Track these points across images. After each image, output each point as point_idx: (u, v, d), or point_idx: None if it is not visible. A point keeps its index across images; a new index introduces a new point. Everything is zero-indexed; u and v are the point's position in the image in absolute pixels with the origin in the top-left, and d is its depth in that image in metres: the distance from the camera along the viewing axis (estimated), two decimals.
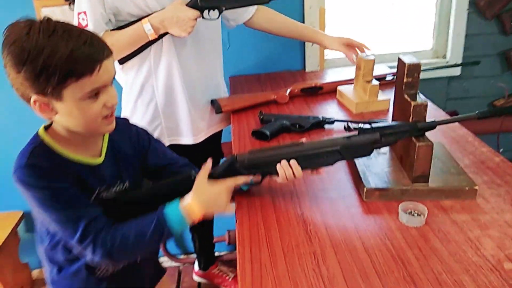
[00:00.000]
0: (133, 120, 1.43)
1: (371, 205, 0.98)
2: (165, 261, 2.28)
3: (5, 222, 2.04)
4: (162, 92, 1.39)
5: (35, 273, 2.27)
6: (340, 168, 1.14)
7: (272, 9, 1.63)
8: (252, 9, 1.56)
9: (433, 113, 1.46)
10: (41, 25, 0.78)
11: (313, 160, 0.97)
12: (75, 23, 1.26)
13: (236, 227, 0.94)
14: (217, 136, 1.67)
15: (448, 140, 1.25)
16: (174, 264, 2.29)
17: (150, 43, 1.31)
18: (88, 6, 1.23)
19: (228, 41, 1.92)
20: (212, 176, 0.95)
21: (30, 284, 2.22)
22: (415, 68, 1.02)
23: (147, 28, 1.24)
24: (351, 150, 0.97)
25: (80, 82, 0.79)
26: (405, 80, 1.03)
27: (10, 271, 2.06)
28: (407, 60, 1.03)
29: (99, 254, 0.85)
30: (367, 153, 0.98)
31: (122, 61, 1.34)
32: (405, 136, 0.99)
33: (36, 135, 0.88)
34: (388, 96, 1.55)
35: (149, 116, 1.41)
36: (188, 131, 1.49)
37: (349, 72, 1.69)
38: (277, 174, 0.96)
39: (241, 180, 0.96)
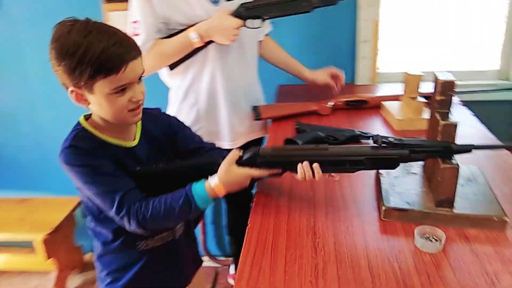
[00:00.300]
0: None
1: (389, 225, 0.94)
2: (205, 260, 2.33)
3: (63, 206, 2.23)
4: (205, 97, 1.45)
5: (87, 256, 2.44)
6: (366, 184, 1.11)
7: (274, 41, 1.73)
8: (262, 35, 1.63)
9: (482, 136, 1.36)
10: (80, 26, 0.87)
11: (335, 166, 0.96)
12: (128, 31, 1.35)
13: (247, 230, 0.95)
14: (257, 143, 1.69)
15: (492, 166, 1.16)
16: (212, 264, 2.34)
17: (197, 50, 1.37)
18: (141, 16, 1.32)
19: None
20: (237, 163, 0.99)
21: (81, 265, 2.40)
22: (449, 86, 0.96)
23: (192, 36, 1.31)
24: (376, 162, 0.95)
25: (107, 78, 0.87)
26: (437, 98, 0.98)
27: (64, 252, 2.23)
28: (442, 77, 0.98)
29: (134, 224, 0.94)
30: (392, 167, 0.95)
31: (172, 66, 1.41)
32: (436, 156, 0.94)
33: (78, 123, 0.99)
34: None
35: (191, 119, 1.48)
36: (227, 135, 1.53)
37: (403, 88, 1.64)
38: (297, 171, 0.96)
39: (265, 173, 0.99)
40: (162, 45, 1.34)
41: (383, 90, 1.88)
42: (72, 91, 0.91)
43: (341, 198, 1.06)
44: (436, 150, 0.92)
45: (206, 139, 1.54)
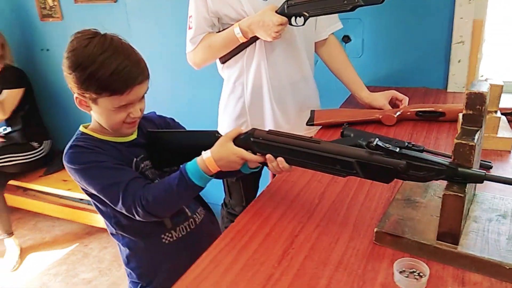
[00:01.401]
0: (225, 114, 1.55)
1: (378, 250, 0.83)
2: None
3: None
4: (250, 91, 1.45)
5: None
6: (381, 202, 0.99)
7: (340, 45, 1.56)
8: (325, 33, 1.51)
9: None
10: (98, 42, 0.93)
11: (324, 163, 0.87)
12: (187, 25, 1.44)
13: (229, 227, 0.94)
14: None
15: None
16: None
17: (246, 45, 1.38)
18: (194, 11, 1.39)
19: (362, 49, 1.82)
20: (234, 141, 0.97)
21: None
22: (478, 98, 0.79)
23: (236, 31, 1.32)
24: (368, 168, 0.83)
25: (111, 97, 0.94)
26: (464, 111, 0.81)
27: None
28: (474, 86, 0.81)
29: (140, 210, 0.97)
30: (386, 179, 0.82)
31: (222, 60, 1.46)
32: (440, 177, 0.79)
33: (78, 131, 1.06)
34: None
35: (237, 112, 1.50)
36: None
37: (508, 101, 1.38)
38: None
39: (258, 159, 0.95)
40: (211, 39, 1.38)
41: None
42: (76, 97, 0.98)
43: (344, 212, 0.96)
44: (439, 170, 0.77)
45: None
